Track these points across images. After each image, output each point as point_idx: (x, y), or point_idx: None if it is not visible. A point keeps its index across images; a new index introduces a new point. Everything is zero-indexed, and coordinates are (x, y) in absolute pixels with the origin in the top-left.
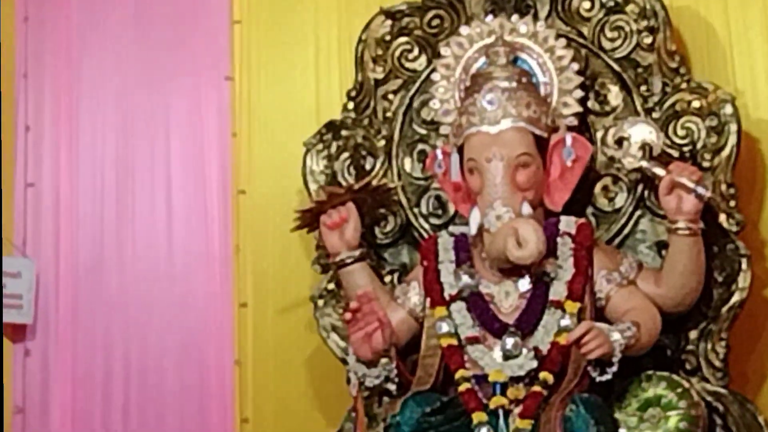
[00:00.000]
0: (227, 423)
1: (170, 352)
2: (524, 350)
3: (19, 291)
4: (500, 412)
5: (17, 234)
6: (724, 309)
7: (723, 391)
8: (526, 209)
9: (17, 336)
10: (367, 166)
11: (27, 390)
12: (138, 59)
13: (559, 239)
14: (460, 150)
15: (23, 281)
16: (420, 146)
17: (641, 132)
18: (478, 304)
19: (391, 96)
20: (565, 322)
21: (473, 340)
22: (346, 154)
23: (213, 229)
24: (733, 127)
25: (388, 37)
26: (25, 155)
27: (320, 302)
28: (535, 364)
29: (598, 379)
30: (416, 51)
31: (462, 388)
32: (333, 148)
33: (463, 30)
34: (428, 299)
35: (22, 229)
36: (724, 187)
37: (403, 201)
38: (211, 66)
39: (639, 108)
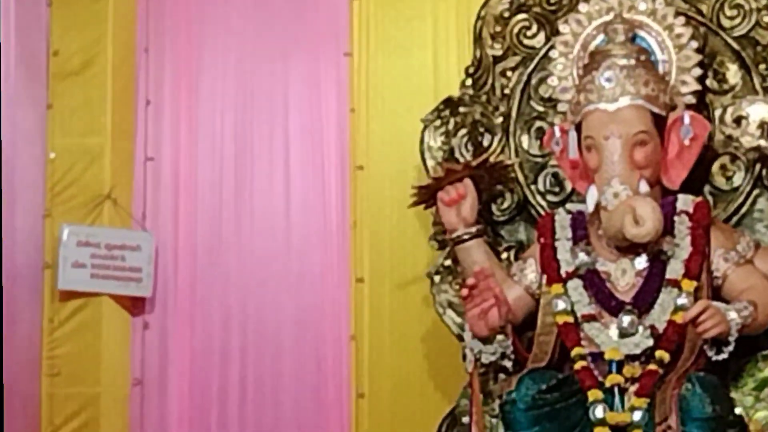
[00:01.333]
0: (343, 397)
1: (287, 326)
2: (640, 328)
3: (139, 264)
4: (616, 390)
5: (137, 207)
6: None
7: None
8: (644, 187)
9: (136, 309)
10: (485, 143)
11: (146, 362)
12: (257, 35)
13: (676, 218)
14: (578, 127)
15: (143, 254)
16: (537, 123)
17: (760, 111)
18: (594, 282)
19: (509, 73)
20: (682, 300)
21: (589, 318)
22: (463, 131)
23: (330, 204)
24: None
25: (506, 14)
26: (146, 129)
27: (437, 278)
28: (651, 342)
29: (714, 358)
30: (535, 28)
31: (578, 365)
32: (451, 125)
33: (582, 7)
34: (545, 276)
35: (141, 202)
36: None
37: (521, 178)
38: (330, 42)
39: (758, 87)
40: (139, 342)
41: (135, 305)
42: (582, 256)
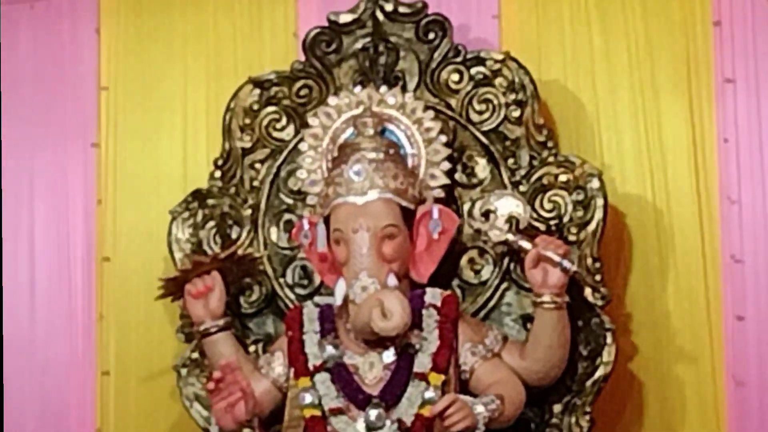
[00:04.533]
0: None
1: (31, 420)
2: (388, 422)
3: None
4: None
5: None
6: (589, 383)
7: None
8: (392, 281)
9: None
10: (233, 235)
11: None
12: (3, 123)
13: (424, 311)
14: (327, 220)
15: None
16: (286, 216)
17: (508, 205)
18: (342, 375)
19: (258, 165)
20: (429, 394)
21: (337, 412)
22: (212, 223)
23: (76, 296)
24: (600, 202)
25: (256, 106)
26: None
27: (183, 371)
28: None
29: None
30: (284, 120)
31: None
32: (199, 217)
33: (332, 100)
34: (292, 370)
35: None
36: (590, 261)
37: (269, 271)
38: (77, 132)
39: (506, 181)
40: None
41: None
42: (330, 350)
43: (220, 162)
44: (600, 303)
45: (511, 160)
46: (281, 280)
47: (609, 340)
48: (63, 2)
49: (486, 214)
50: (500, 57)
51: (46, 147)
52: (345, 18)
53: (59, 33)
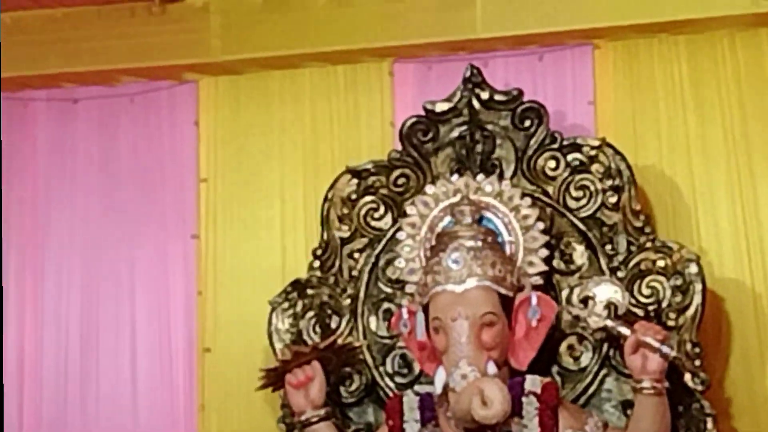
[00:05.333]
0: None
1: None
2: None
3: None
4: None
5: None
6: None
7: None
8: (492, 368)
9: None
10: (333, 325)
11: None
12: (104, 216)
13: (524, 398)
14: (426, 309)
15: None
16: (385, 305)
17: (606, 291)
18: None
19: (356, 254)
20: None
21: None
22: (311, 313)
23: (178, 387)
24: (698, 287)
25: (354, 196)
26: None
27: None
28: None
29: None
30: (382, 210)
31: None
32: (298, 307)
33: (429, 189)
34: None
35: None
36: (689, 346)
37: (369, 360)
38: (177, 224)
39: (604, 267)
40: None
41: None
42: None
43: (318, 252)
44: (700, 388)
45: (608, 246)
46: (381, 369)
47: (710, 425)
48: (162, 95)
49: (584, 301)
50: (596, 143)
51: (146, 239)
52: (441, 107)
53: (159, 125)
